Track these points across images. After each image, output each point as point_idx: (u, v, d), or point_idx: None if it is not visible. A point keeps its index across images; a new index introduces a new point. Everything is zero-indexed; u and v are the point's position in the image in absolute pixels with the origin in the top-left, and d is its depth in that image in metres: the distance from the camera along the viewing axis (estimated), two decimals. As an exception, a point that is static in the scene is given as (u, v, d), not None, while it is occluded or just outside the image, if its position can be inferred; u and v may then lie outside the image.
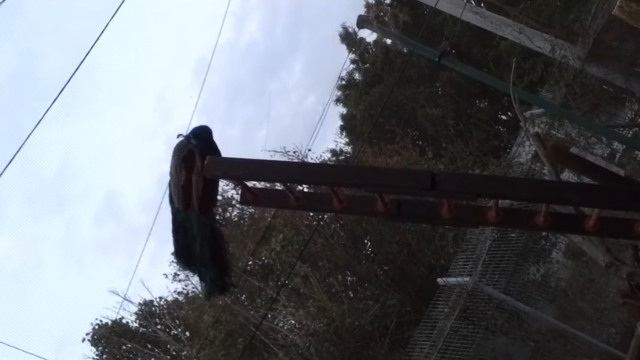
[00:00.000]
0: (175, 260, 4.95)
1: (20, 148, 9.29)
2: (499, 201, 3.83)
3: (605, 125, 12.81)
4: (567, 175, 10.57)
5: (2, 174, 9.23)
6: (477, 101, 23.54)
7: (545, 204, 3.74)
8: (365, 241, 15.71)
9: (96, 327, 18.15)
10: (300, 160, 16.26)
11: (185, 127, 4.60)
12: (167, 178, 4.59)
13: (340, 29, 24.03)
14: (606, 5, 12.23)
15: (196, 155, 4.29)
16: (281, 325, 15.32)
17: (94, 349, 18.23)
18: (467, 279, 11.03)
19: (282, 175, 4.08)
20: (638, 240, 5.53)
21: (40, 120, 9.50)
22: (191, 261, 4.54)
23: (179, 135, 4.47)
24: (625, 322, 10.42)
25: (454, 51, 22.35)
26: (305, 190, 4.96)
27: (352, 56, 24.97)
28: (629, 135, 14.07)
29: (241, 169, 4.10)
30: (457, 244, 12.91)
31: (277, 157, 16.26)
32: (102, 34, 10.05)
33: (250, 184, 4.34)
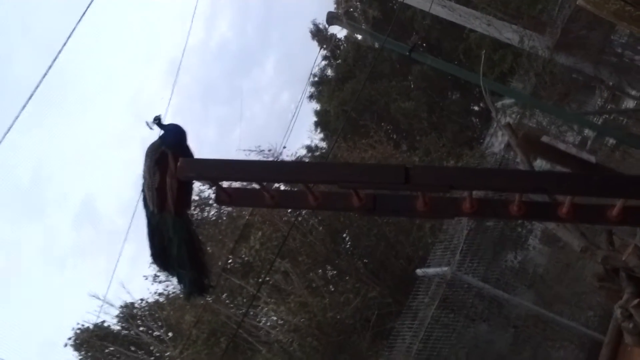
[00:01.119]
0: (153, 263, 4.92)
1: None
2: (473, 192, 3.88)
3: (576, 113, 12.98)
4: (540, 164, 10.73)
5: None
6: (449, 93, 23.71)
7: (519, 193, 3.80)
8: (344, 235, 15.78)
9: (78, 331, 18.04)
10: (275, 158, 16.28)
11: (158, 130, 4.57)
12: (142, 181, 4.58)
13: (311, 26, 24.07)
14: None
15: (169, 157, 4.28)
16: (263, 322, 15.34)
17: (76, 354, 18.15)
18: (445, 268, 11.13)
19: (256, 175, 4.09)
20: (611, 225, 5.65)
21: (11, 126, 9.40)
22: (169, 264, 4.54)
23: (147, 123, 4.42)
24: (603, 305, 10.58)
25: (424, 45, 22.50)
26: (281, 188, 4.98)
27: (324, 52, 25.02)
28: (599, 123, 14.27)
29: (215, 170, 4.11)
30: (435, 234, 13.02)
31: (252, 156, 16.29)
32: (71, 36, 9.96)
33: (225, 183, 4.35)
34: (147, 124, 4.41)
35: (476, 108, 23.54)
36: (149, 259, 4.65)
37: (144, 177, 4.44)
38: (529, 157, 7.04)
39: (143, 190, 4.50)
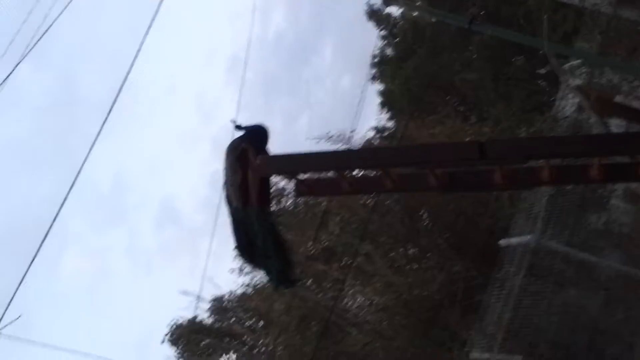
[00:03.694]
0: (239, 257, 5.14)
1: (79, 172, 9.63)
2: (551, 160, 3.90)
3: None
4: (616, 123, 10.46)
5: (66, 199, 9.59)
6: (513, 59, 23.19)
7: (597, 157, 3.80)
8: (422, 213, 15.75)
9: (173, 327, 18.75)
10: (345, 143, 16.35)
11: (227, 127, 4.77)
12: (221, 178, 4.77)
13: (366, 7, 23.94)
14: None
15: (249, 154, 4.46)
16: (350, 304, 15.53)
17: (174, 348, 18.87)
18: (528, 237, 11.02)
19: (333, 165, 4.23)
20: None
21: (94, 142, 9.84)
22: (255, 256, 4.73)
23: (235, 126, 4.61)
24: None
25: (482, 12, 22.07)
26: (357, 174, 5.11)
27: (382, 33, 24.88)
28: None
29: (293, 164, 4.28)
30: (514, 204, 12.88)
31: (322, 144, 16.37)
32: (140, 50, 10.36)
33: (303, 175, 4.50)
34: (234, 124, 4.62)
35: (542, 71, 22.92)
36: (236, 252, 4.87)
37: (226, 175, 4.64)
38: (604, 118, 6.93)
39: (225, 188, 4.70)
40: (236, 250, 4.91)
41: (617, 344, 11.24)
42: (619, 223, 12.91)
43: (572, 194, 11.67)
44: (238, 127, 4.61)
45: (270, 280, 4.95)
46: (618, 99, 6.27)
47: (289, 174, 4.65)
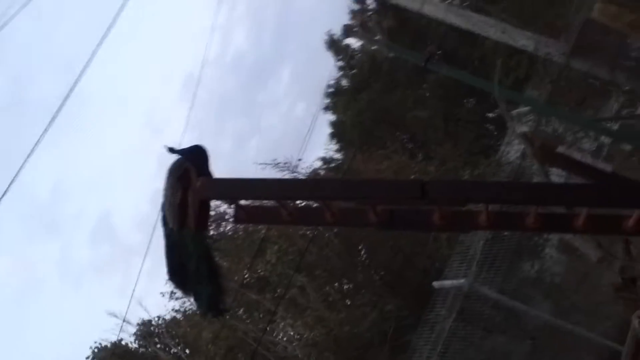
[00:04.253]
0: (169, 281, 4.97)
1: (16, 175, 9.30)
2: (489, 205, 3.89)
3: (592, 120, 12.88)
4: (557, 172, 10.67)
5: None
6: (465, 101, 23.59)
7: (534, 206, 3.81)
8: (360, 248, 15.73)
9: (96, 350, 18.14)
10: (291, 171, 16.28)
11: (176, 143, 4.63)
12: (161, 197, 4.60)
13: (326, 37, 24.12)
14: (586, 5, 12.32)
15: (192, 174, 4.33)
16: (280, 337, 15.31)
17: (94, 373, 18.22)
18: (462, 280, 11.08)
19: (275, 193, 4.13)
20: (628, 235, 5.61)
21: (35, 146, 9.53)
22: (186, 281, 4.56)
23: (169, 149, 4.48)
24: (621, 315, 10.46)
25: (440, 52, 22.45)
26: (299, 204, 5.00)
27: (339, 63, 25.05)
28: (616, 128, 14.13)
29: (234, 190, 4.17)
30: (451, 245, 12.96)
31: (268, 170, 16.27)
32: (91, 60, 10.11)
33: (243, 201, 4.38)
34: (168, 149, 4.46)
35: (492, 115, 23.41)
36: (166, 276, 4.69)
37: (165, 194, 4.48)
38: (545, 166, 7.03)
39: (163, 208, 4.54)
40: (167, 273, 4.72)
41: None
42: (551, 273, 13.11)
43: (508, 240, 11.80)
44: (171, 151, 4.46)
45: (199, 307, 4.79)
46: (561, 148, 6.39)
47: (230, 199, 4.52)
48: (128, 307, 16.63)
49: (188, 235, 4.40)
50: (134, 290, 15.72)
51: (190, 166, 4.37)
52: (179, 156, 4.48)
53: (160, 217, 4.54)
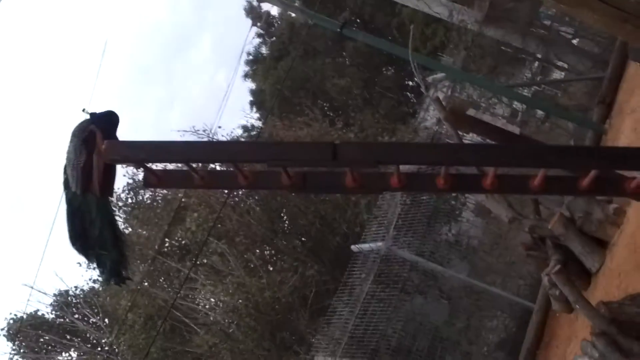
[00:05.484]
0: (72, 247, 4.82)
1: None
2: (401, 166, 3.92)
3: (504, 86, 13.18)
4: (473, 137, 10.90)
5: None
6: (383, 69, 23.82)
7: (444, 166, 3.85)
8: (282, 214, 15.75)
9: (11, 321, 17.72)
10: (210, 139, 16.08)
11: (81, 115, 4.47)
12: (63, 161, 4.44)
13: (245, 3, 23.80)
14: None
15: (97, 137, 4.18)
16: (201, 304, 15.24)
17: (10, 344, 17.82)
18: (380, 244, 11.22)
19: (183, 156, 4.04)
20: (534, 194, 5.79)
21: None
22: (88, 247, 4.43)
23: (83, 110, 4.33)
24: (533, 274, 10.87)
25: (358, 20, 22.48)
26: (211, 168, 4.91)
27: (258, 30, 24.79)
28: (529, 94, 14.52)
29: (141, 152, 4.02)
30: (370, 210, 13.11)
31: (187, 137, 16.07)
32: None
33: (154, 165, 4.27)
34: (85, 112, 4.30)
35: (410, 83, 23.74)
36: (68, 242, 4.53)
37: (69, 157, 4.32)
38: (458, 130, 7.15)
39: (65, 172, 4.38)
40: (69, 238, 4.56)
41: (455, 352, 11.69)
42: (468, 235, 13.47)
43: (426, 204, 12.02)
44: (90, 115, 4.30)
45: (101, 274, 4.66)
46: (471, 112, 6.51)
47: (137, 162, 4.38)
48: (36, 276, 16.27)
49: (92, 200, 4.26)
50: (42, 258, 15.37)
51: (95, 129, 4.22)
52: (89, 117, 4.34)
53: (62, 180, 4.40)
